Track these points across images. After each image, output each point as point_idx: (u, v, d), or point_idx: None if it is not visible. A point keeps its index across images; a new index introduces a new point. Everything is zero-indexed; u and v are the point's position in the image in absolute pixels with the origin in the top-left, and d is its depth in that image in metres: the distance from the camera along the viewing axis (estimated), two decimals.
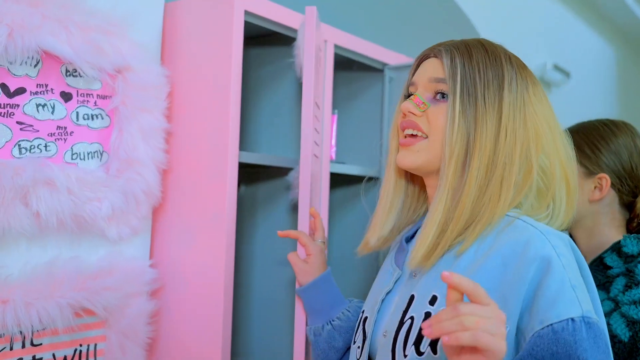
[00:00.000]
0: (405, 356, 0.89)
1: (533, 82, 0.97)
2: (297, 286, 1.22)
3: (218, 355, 1.31)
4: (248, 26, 1.45)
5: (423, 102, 0.95)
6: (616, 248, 1.23)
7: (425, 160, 0.95)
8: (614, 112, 4.32)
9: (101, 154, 1.29)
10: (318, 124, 1.44)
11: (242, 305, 1.69)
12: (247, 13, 1.38)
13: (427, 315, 0.90)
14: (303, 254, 1.23)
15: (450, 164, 0.91)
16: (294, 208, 1.63)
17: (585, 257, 1.24)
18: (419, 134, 0.96)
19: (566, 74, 3.37)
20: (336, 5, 2.43)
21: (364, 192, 1.27)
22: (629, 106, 4.71)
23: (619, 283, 1.17)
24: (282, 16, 1.46)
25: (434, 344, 0.87)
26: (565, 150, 0.98)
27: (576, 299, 0.82)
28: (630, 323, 1.10)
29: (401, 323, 0.93)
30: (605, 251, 1.25)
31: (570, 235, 1.34)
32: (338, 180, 1.88)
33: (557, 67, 3.27)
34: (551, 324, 0.80)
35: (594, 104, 3.95)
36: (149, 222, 1.39)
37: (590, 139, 1.29)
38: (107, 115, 1.29)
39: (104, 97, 1.29)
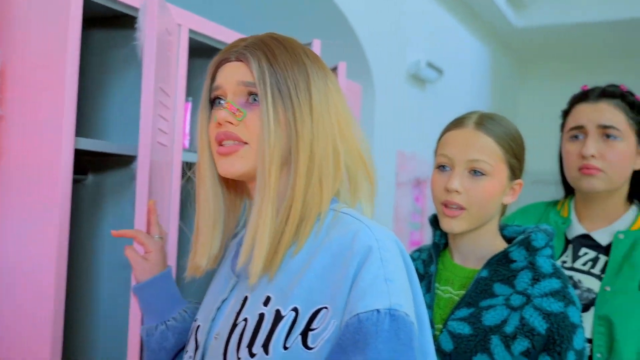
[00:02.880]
0: (238, 359, 0.87)
1: (329, 73, 0.97)
2: (133, 283, 1.16)
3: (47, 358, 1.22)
4: (92, 6, 1.37)
5: (238, 109, 0.91)
6: (525, 242, 1.21)
7: (252, 166, 0.92)
8: (488, 106, 4.51)
9: None
10: (166, 111, 1.38)
11: (86, 304, 1.60)
12: None
13: (261, 316, 0.88)
14: (142, 251, 1.17)
15: (271, 170, 0.89)
16: None
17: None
18: (238, 142, 0.92)
19: (439, 71, 3.48)
20: None
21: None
22: (502, 101, 4.96)
23: (525, 276, 1.18)
24: None
25: (266, 346, 0.85)
26: (361, 137, 0.98)
27: (386, 291, 0.82)
28: (546, 315, 1.12)
29: (234, 325, 0.90)
30: (512, 245, 1.22)
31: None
32: None
33: (430, 65, 3.36)
34: (358, 314, 0.81)
35: (467, 100, 4.11)
36: None
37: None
38: None
39: None
